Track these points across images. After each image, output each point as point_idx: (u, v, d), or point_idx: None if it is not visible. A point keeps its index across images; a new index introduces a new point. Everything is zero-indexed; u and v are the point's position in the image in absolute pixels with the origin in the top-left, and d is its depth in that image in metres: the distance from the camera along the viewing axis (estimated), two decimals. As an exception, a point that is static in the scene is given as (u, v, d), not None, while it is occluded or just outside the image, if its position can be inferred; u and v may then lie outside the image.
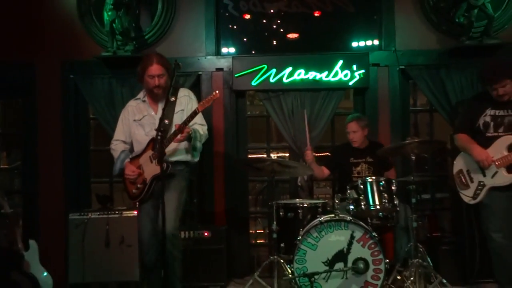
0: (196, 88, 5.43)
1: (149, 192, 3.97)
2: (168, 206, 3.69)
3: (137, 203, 4.06)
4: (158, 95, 4.03)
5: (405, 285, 4.26)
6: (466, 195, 4.19)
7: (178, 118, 3.98)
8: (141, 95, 4.17)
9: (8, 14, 5.46)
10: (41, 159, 5.46)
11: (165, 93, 3.94)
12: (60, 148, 5.44)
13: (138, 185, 3.98)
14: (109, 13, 5.14)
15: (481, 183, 4.09)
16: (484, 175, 4.07)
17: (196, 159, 4.16)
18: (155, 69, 3.93)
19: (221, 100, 5.39)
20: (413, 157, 4.34)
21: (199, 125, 4.09)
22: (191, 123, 3.88)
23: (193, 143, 3.98)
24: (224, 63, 5.41)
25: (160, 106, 4.04)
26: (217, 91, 3.90)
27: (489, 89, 4.01)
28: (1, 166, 5.80)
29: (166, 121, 3.86)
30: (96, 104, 5.34)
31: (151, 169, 3.91)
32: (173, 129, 3.85)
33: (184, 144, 3.97)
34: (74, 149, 5.48)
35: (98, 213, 4.99)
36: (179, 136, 3.78)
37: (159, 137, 3.56)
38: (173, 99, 4.00)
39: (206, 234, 4.93)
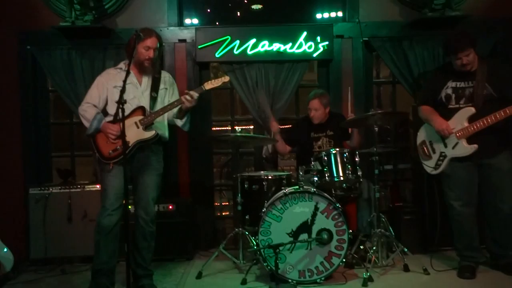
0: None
1: (128, 155, 3.77)
2: (151, 189, 3.98)
3: (111, 164, 3.89)
4: (147, 68, 4.02)
5: (368, 254, 4.33)
6: (428, 166, 4.26)
7: (162, 94, 4.09)
8: (122, 65, 4.08)
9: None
10: (-2, 132, 5.31)
11: (150, 68, 4.04)
12: (18, 121, 5.28)
13: (118, 147, 3.85)
14: (67, -19, 4.99)
15: (443, 153, 4.16)
16: (446, 146, 4.14)
17: (186, 129, 4.26)
18: (153, 41, 3.92)
19: (185, 72, 5.33)
20: (376, 128, 4.36)
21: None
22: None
23: (187, 118, 4.13)
24: (187, 34, 5.31)
25: (145, 78, 4.06)
26: (227, 76, 4.19)
27: (453, 58, 4.04)
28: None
29: (154, 94, 4.01)
30: (55, 76, 5.17)
31: (135, 133, 3.86)
32: (159, 104, 4.01)
33: (164, 121, 4.10)
34: (33, 123, 5.32)
35: (60, 187, 4.92)
36: (185, 105, 3.94)
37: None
38: (156, 75, 4.08)
39: (170, 207, 4.92)
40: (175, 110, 4.07)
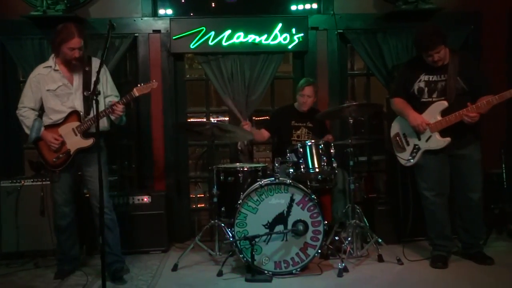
0: (132, 51, 5.33)
1: (71, 163, 4.04)
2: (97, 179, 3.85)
3: (57, 172, 4.05)
4: (75, 66, 3.99)
5: (343, 245, 4.35)
6: (402, 158, 4.30)
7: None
8: (51, 63, 4.06)
9: None
10: (-33, 125, 5.18)
11: (80, 64, 4.00)
12: (-13, 112, 5.17)
13: (60, 155, 4.00)
14: (38, -31, 4.89)
15: (416, 146, 4.20)
16: (419, 139, 4.18)
17: (123, 124, 4.24)
18: (76, 42, 3.88)
19: (159, 63, 5.29)
20: (351, 120, 4.38)
21: (115, 96, 4.17)
22: (107, 96, 4.11)
23: (122, 117, 4.09)
24: (162, 24, 5.25)
25: (75, 76, 4.05)
26: (154, 81, 4.09)
27: (424, 55, 4.06)
28: None
29: (86, 93, 3.97)
30: (26, 67, 5.05)
31: (75, 141, 3.99)
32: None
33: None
34: (2, 114, 5.23)
35: (32, 180, 4.85)
36: (115, 113, 3.94)
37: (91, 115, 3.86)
38: (87, 69, 4.04)
39: (145, 199, 4.89)
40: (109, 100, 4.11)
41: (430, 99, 4.13)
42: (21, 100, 4.09)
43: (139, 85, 4.02)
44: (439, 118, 4.07)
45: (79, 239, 4.38)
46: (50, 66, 4.05)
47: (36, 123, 4.01)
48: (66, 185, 4.10)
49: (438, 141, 4.09)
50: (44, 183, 4.76)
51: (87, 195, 4.34)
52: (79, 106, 3.99)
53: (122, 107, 3.93)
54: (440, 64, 4.06)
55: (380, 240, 4.41)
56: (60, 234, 4.21)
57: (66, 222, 4.16)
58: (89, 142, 3.94)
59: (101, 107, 4.01)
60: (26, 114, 4.05)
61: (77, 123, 3.95)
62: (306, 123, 4.93)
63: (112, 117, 4.02)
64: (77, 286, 3.99)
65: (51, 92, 4.00)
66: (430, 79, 4.14)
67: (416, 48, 4.23)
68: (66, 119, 3.97)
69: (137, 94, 3.98)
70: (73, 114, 3.96)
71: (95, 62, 4.09)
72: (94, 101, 3.37)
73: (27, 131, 4.04)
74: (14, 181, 4.83)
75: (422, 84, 4.16)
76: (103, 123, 4.06)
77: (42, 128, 4.00)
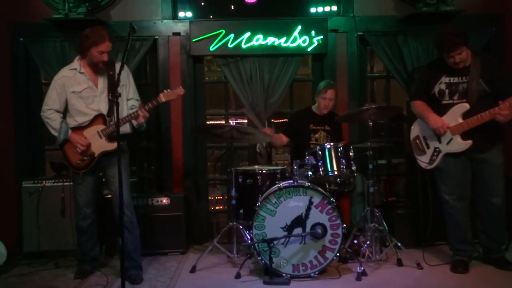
0: (152, 53, 5.36)
1: (95, 166, 4.08)
2: (123, 184, 3.86)
3: (80, 174, 4.08)
4: (101, 69, 4.04)
5: (362, 249, 4.33)
6: (422, 161, 4.26)
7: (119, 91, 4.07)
8: (76, 65, 4.09)
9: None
10: (-10, 126, 5.26)
11: (105, 67, 4.05)
12: (11, 114, 5.25)
13: (85, 157, 4.04)
14: (60, -27, 4.95)
15: (437, 149, 4.16)
16: (440, 142, 4.14)
17: (142, 129, 4.25)
18: (107, 45, 3.94)
19: (179, 65, 5.31)
20: (370, 123, 4.36)
21: (136, 100, 4.23)
22: (129, 99, 4.18)
23: (142, 123, 4.11)
24: (181, 27, 5.28)
25: (100, 79, 4.08)
26: (180, 87, 4.16)
27: (445, 56, 4.02)
28: None
29: (111, 96, 3.99)
30: (48, 69, 5.12)
31: (100, 144, 4.02)
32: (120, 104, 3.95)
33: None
34: (25, 116, 5.28)
35: (53, 181, 4.91)
36: (139, 120, 3.98)
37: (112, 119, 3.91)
38: (111, 72, 4.07)
39: (164, 201, 4.91)
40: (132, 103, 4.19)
41: (451, 101, 4.09)
42: (45, 102, 4.12)
43: (165, 91, 4.05)
44: (460, 120, 4.02)
45: (98, 239, 4.41)
46: (75, 69, 4.08)
47: (63, 125, 4.04)
48: (89, 187, 4.14)
49: (459, 144, 4.05)
50: (65, 184, 4.84)
51: (108, 196, 4.39)
52: (104, 109, 4.04)
53: (146, 113, 3.97)
54: (462, 66, 4.01)
55: (399, 244, 4.37)
56: (81, 235, 4.24)
57: (87, 224, 4.19)
58: (114, 145, 3.95)
59: (123, 110, 4.06)
60: (52, 116, 4.08)
61: (103, 126, 4.00)
62: (325, 126, 4.92)
63: (134, 123, 4.05)
64: (97, 286, 4.02)
65: (76, 94, 4.03)
66: (451, 81, 4.10)
67: (437, 49, 4.19)
68: (91, 122, 4.02)
69: (163, 100, 4.03)
70: (99, 117, 4.00)
71: (119, 66, 4.08)
72: (114, 103, 3.38)
73: (54, 133, 4.07)
74: (36, 181, 4.89)
75: (443, 86, 4.12)
76: (126, 127, 4.10)
77: (69, 130, 4.04)
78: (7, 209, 5.04)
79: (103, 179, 4.29)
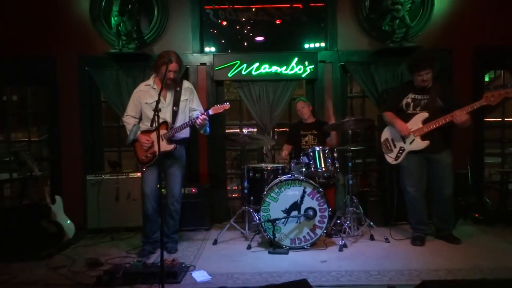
0: (185, 79, 5.31)
1: (156, 162, 3.96)
2: (176, 180, 3.99)
3: (144, 167, 4.01)
4: (169, 85, 3.96)
5: (343, 227, 4.34)
6: (390, 157, 4.26)
7: (182, 106, 4.03)
8: (151, 82, 4.05)
9: (38, 21, 5.24)
10: (63, 133, 5.30)
11: (173, 84, 3.97)
12: (78, 124, 5.29)
13: (148, 154, 3.97)
14: (115, 18, 4.99)
15: (402, 148, 4.17)
16: (404, 142, 4.14)
17: (207, 134, 4.19)
18: (173, 66, 3.86)
19: (205, 88, 5.32)
20: (350, 132, 4.38)
21: (199, 111, 4.09)
22: (193, 110, 4.07)
23: (204, 128, 4.04)
24: (207, 59, 5.31)
25: (168, 94, 4.00)
26: (228, 103, 3.96)
27: (416, 75, 4.04)
28: (32, 139, 5.61)
29: (175, 108, 3.95)
30: (106, 91, 5.18)
31: (161, 145, 3.82)
32: (180, 114, 3.96)
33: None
34: (89, 125, 5.33)
35: (110, 175, 4.95)
36: (199, 121, 3.85)
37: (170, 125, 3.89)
38: (178, 89, 3.99)
39: (193, 190, 4.91)
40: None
41: (415, 112, 4.10)
42: (126, 110, 4.10)
43: (215, 106, 3.92)
44: (421, 125, 4.04)
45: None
46: (150, 85, 4.03)
47: (134, 128, 4.00)
48: (152, 179, 3.97)
49: (419, 143, 4.05)
50: (118, 177, 4.88)
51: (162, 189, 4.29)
52: (168, 117, 3.94)
53: (203, 121, 3.86)
54: (426, 85, 4.04)
55: (371, 224, 4.38)
56: (146, 221, 4.04)
57: (151, 211, 3.99)
58: (171, 147, 3.89)
59: (186, 118, 4.01)
60: (128, 120, 4.05)
61: (165, 131, 3.90)
62: (312, 131, 4.93)
63: (197, 126, 3.94)
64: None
65: (149, 105, 3.96)
66: (416, 97, 4.12)
67: (410, 69, 4.14)
68: (158, 127, 3.89)
69: (212, 113, 3.88)
70: (164, 123, 3.90)
71: (185, 84, 4.07)
72: (156, 115, 3.29)
73: (128, 133, 4.03)
74: (97, 175, 4.93)
75: (409, 100, 4.14)
76: (185, 133, 4.02)
77: (139, 132, 3.99)
78: (76, 196, 5.08)
79: (162, 174, 4.13)
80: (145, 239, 4.08)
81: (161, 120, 3.89)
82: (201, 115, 3.85)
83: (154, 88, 4.01)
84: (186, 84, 4.10)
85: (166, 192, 4.11)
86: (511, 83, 5.28)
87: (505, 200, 5.14)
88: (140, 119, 4.09)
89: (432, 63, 4.01)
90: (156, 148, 3.92)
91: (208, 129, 4.07)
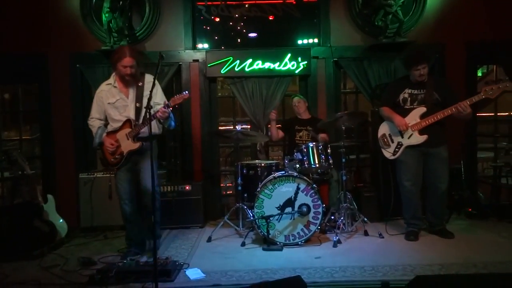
0: (177, 76, 5.33)
1: (125, 162, 3.82)
2: (146, 177, 3.74)
3: (115, 170, 3.88)
4: (129, 81, 3.78)
5: (337, 223, 4.33)
6: (388, 152, 4.24)
7: (146, 101, 3.68)
8: (111, 80, 3.88)
9: (28, 18, 5.17)
10: (55, 131, 5.25)
11: (134, 79, 3.78)
12: (70, 122, 5.24)
13: (116, 156, 3.81)
14: (107, 15, 4.93)
15: (400, 143, 4.15)
16: (402, 137, 4.13)
17: (172, 128, 3.99)
18: (127, 60, 3.67)
19: (198, 84, 5.28)
20: (343, 127, 4.36)
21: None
22: (157, 103, 3.78)
23: (169, 122, 3.81)
24: (199, 55, 5.27)
25: (130, 90, 3.81)
26: (186, 92, 3.65)
27: (412, 70, 4.04)
28: (24, 137, 5.55)
29: (138, 104, 3.77)
30: (97, 87, 4.98)
31: (127, 145, 3.76)
32: (144, 110, 3.68)
33: (154, 122, 3.73)
34: (81, 123, 5.22)
35: (102, 173, 4.91)
36: (158, 115, 3.60)
37: (136, 122, 3.69)
38: (140, 84, 3.82)
39: (187, 187, 4.88)
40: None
41: (412, 107, 4.10)
42: (90, 112, 3.97)
43: (174, 96, 3.62)
44: (418, 120, 4.04)
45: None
46: (110, 83, 3.86)
47: (99, 131, 3.87)
48: (124, 180, 3.84)
49: (417, 138, 4.05)
50: (111, 175, 4.82)
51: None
52: (132, 115, 3.78)
53: (162, 111, 3.59)
54: (423, 79, 4.04)
55: (365, 219, 4.38)
56: (126, 222, 3.93)
57: (129, 212, 3.85)
58: (137, 145, 3.73)
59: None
60: (93, 123, 3.93)
61: (129, 130, 3.74)
62: (306, 127, 4.92)
63: (161, 120, 3.73)
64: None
65: (111, 105, 3.81)
66: (413, 92, 4.12)
67: (407, 64, 4.13)
68: (121, 126, 3.78)
69: (172, 105, 3.59)
70: (127, 122, 3.76)
71: (148, 78, 3.86)
72: (141, 110, 3.23)
73: (94, 136, 3.92)
74: (89, 173, 4.89)
75: (406, 95, 4.13)
76: (155, 128, 3.81)
77: (104, 135, 3.85)
78: (69, 194, 5.04)
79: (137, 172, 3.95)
80: (128, 241, 3.95)
81: (124, 119, 3.78)
82: (160, 108, 3.62)
83: (115, 87, 3.83)
84: (148, 78, 3.85)
85: (143, 187, 3.89)
86: (504, 77, 5.28)
87: (498, 195, 5.15)
88: (106, 121, 3.93)
89: (429, 58, 4.02)
90: (123, 148, 3.78)
91: (173, 123, 3.86)
